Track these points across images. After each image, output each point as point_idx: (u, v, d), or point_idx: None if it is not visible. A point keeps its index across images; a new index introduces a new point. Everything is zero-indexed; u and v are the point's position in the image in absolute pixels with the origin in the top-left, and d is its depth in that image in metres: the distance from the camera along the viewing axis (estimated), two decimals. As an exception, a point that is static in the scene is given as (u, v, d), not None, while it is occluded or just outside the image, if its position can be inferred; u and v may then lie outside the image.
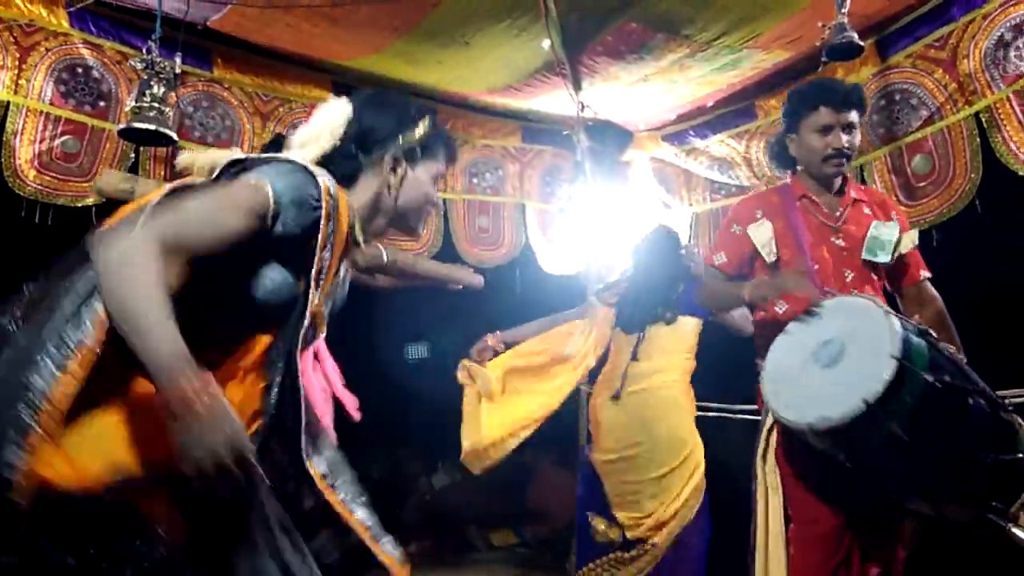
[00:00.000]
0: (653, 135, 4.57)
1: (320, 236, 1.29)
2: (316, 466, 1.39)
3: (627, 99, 4.18)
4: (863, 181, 3.61)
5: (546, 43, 3.57)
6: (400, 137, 1.46)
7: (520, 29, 3.46)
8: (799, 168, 2.34)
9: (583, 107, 4.10)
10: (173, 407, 1.04)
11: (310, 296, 1.30)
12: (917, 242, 2.25)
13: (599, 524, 2.86)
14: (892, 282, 2.28)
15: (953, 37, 3.26)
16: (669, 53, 3.64)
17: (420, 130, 1.49)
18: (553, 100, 4.18)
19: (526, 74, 3.91)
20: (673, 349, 3.06)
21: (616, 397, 2.98)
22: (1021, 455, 1.76)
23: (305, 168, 1.32)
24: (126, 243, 1.12)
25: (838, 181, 2.29)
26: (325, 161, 1.40)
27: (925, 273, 2.24)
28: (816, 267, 2.19)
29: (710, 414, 4.26)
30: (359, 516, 1.43)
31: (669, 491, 2.80)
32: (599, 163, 4.64)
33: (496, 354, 3.03)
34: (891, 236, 2.18)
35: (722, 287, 2.31)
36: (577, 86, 3.98)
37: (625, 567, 2.79)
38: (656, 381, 2.98)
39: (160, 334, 1.07)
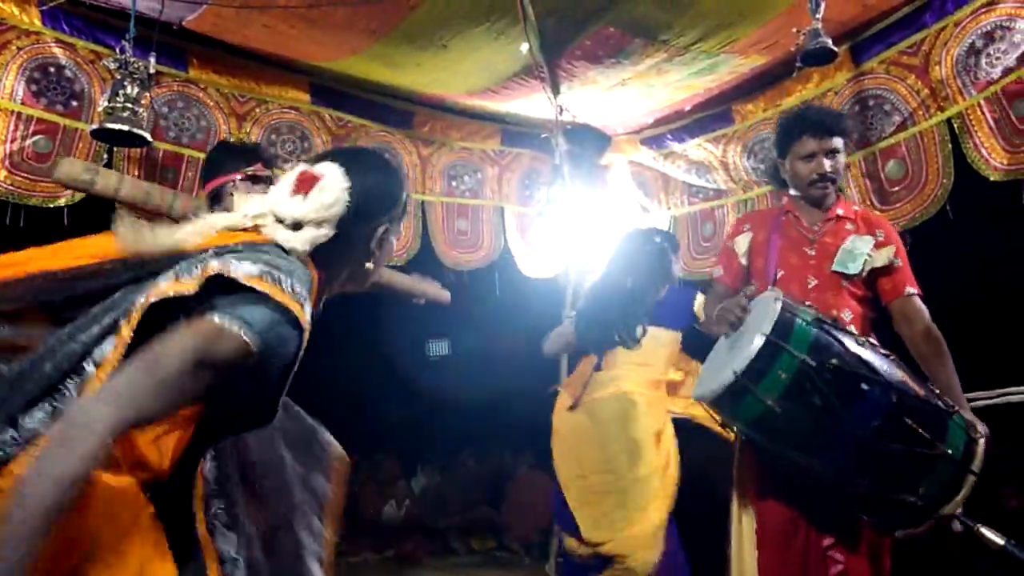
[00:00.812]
0: (631, 139, 4.59)
1: (294, 366, 1.23)
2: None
3: (605, 103, 4.20)
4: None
5: (524, 47, 3.57)
6: (392, 211, 1.42)
7: (498, 32, 3.47)
8: (791, 189, 2.47)
9: (561, 110, 4.11)
10: None
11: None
12: (895, 259, 2.30)
13: (569, 542, 2.77)
14: (880, 297, 2.35)
15: (926, 44, 3.31)
16: (647, 57, 3.66)
17: (404, 199, 1.46)
18: (532, 103, 4.19)
19: (504, 77, 3.91)
20: (643, 363, 2.90)
21: (573, 407, 2.88)
22: (946, 451, 1.85)
23: (293, 317, 1.17)
24: (87, 414, 1.01)
25: (828, 200, 2.41)
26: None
27: (911, 289, 2.29)
28: (780, 273, 2.35)
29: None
30: None
31: (632, 504, 2.65)
32: (578, 166, 4.65)
33: None
34: (863, 249, 2.29)
35: (709, 307, 2.49)
36: (555, 90, 3.99)
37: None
38: (613, 389, 2.84)
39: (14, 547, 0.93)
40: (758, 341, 1.89)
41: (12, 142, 3.20)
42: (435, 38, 3.48)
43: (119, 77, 2.85)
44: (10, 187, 3.19)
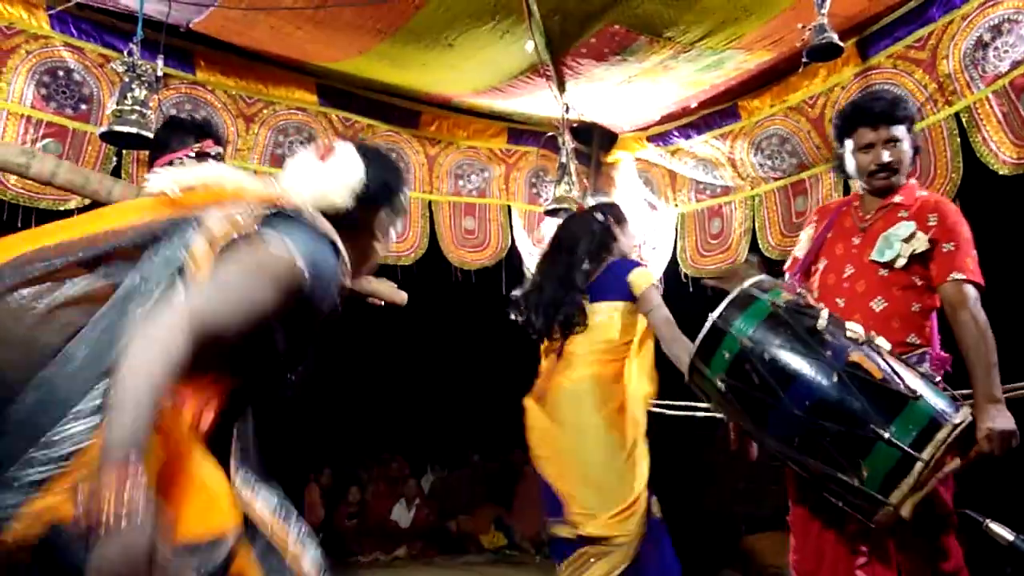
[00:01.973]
0: (638, 136, 4.59)
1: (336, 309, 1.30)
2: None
3: (612, 100, 4.20)
4: (846, 181, 3.64)
5: (529, 45, 3.57)
6: (393, 200, 1.50)
7: (503, 31, 3.47)
8: (857, 180, 2.44)
9: (568, 108, 4.11)
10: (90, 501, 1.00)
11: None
12: (946, 244, 2.20)
13: (553, 528, 2.78)
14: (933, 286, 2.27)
15: (933, 38, 3.29)
16: (652, 55, 3.66)
17: (403, 191, 1.53)
18: (538, 101, 4.19)
19: (510, 76, 3.92)
20: (596, 340, 2.80)
21: (539, 399, 2.83)
22: (883, 434, 1.83)
23: (333, 243, 1.30)
24: (155, 329, 1.10)
25: (892, 189, 2.33)
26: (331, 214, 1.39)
27: (957, 275, 2.17)
28: (824, 263, 2.38)
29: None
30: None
31: (606, 487, 2.63)
32: (584, 164, 4.66)
33: None
34: (901, 235, 2.22)
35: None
36: (561, 87, 3.99)
37: (597, 562, 2.68)
38: (564, 377, 2.78)
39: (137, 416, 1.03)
40: (707, 323, 2.07)
41: (22, 145, 3.22)
42: (441, 37, 3.49)
43: (127, 80, 2.87)
44: (20, 191, 3.22)
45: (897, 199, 2.31)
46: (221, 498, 1.17)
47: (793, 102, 3.87)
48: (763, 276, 2.15)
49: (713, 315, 2.06)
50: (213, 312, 1.15)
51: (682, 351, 2.53)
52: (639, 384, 2.82)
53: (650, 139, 4.53)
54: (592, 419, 2.70)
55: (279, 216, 1.28)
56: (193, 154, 2.21)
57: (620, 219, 3.06)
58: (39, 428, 1.07)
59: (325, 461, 6.74)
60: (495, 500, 6.67)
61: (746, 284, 2.09)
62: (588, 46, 3.64)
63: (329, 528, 6.33)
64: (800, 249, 2.50)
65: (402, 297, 2.51)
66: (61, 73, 3.33)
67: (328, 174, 1.39)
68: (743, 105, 4.08)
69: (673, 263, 4.55)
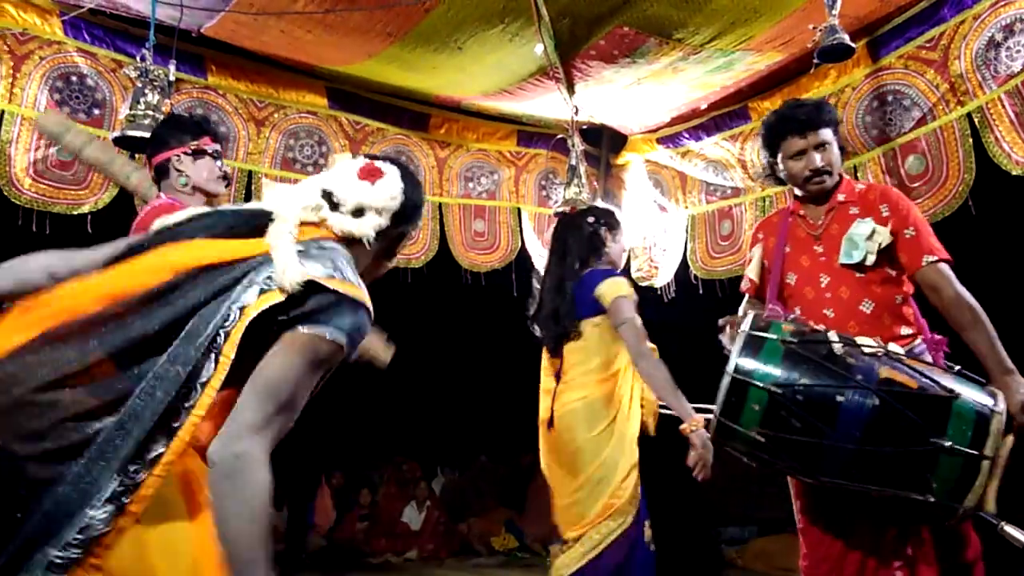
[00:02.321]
0: (648, 137, 4.58)
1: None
2: None
3: (621, 102, 4.20)
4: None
5: (539, 48, 3.58)
6: (416, 220, 1.53)
7: (513, 34, 3.48)
8: (794, 188, 2.41)
9: (577, 110, 4.11)
10: None
11: None
12: (907, 230, 2.19)
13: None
14: (907, 275, 2.26)
15: (944, 38, 3.28)
16: (662, 56, 3.65)
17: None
18: (547, 104, 4.19)
19: (519, 78, 3.92)
20: (586, 355, 2.74)
21: (549, 423, 2.77)
22: (942, 443, 1.79)
23: (363, 304, 1.30)
24: (240, 448, 1.18)
25: (829, 192, 2.32)
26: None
27: (929, 257, 2.17)
28: (794, 277, 2.32)
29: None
30: None
31: (598, 496, 2.62)
32: (594, 166, 4.66)
33: None
34: (863, 233, 2.20)
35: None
36: (571, 90, 3.99)
37: (563, 554, 2.67)
38: (563, 400, 2.74)
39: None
40: (725, 380, 1.98)
41: (36, 151, 3.26)
42: (450, 40, 3.50)
43: (140, 85, 2.90)
44: (35, 195, 3.25)
45: (840, 197, 2.30)
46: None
47: (804, 103, 3.86)
48: (751, 314, 2.11)
49: (728, 369, 1.97)
50: (281, 424, 1.23)
51: (653, 369, 2.57)
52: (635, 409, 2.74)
53: (660, 141, 4.53)
54: (584, 444, 2.68)
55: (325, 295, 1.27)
56: (190, 151, 2.23)
57: (612, 225, 2.94)
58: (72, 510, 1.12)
59: (337, 464, 6.75)
60: (506, 502, 6.67)
61: (743, 328, 2.04)
62: (597, 48, 3.64)
63: (341, 530, 6.35)
64: (753, 270, 2.45)
65: (386, 358, 2.46)
66: (74, 78, 3.36)
67: (376, 197, 1.42)
68: (753, 106, 4.07)
69: (684, 265, 4.54)
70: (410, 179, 1.48)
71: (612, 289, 2.69)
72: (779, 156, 2.34)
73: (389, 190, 1.43)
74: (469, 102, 4.28)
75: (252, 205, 1.43)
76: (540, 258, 4.60)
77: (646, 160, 4.69)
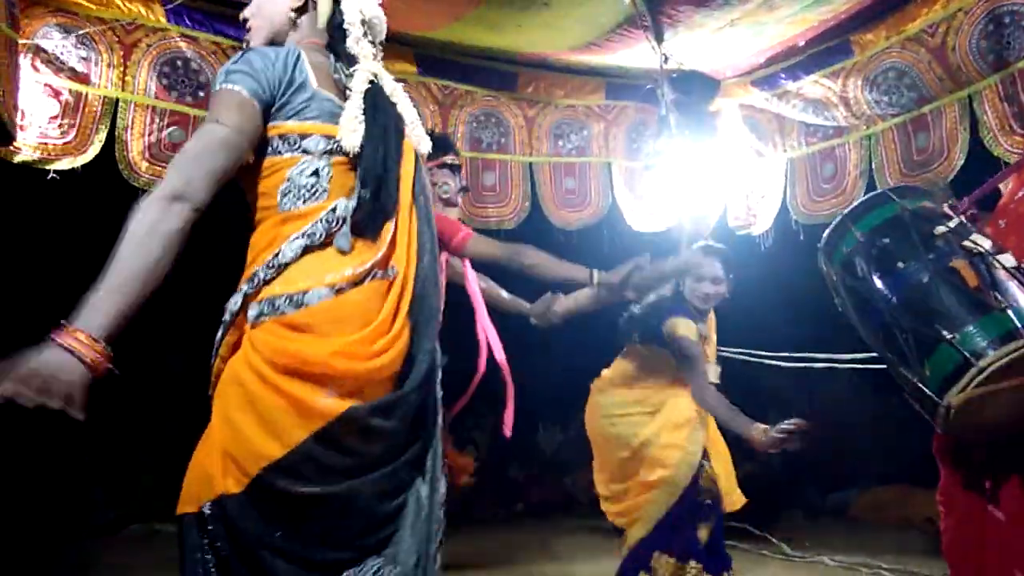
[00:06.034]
0: (741, 81, 4.42)
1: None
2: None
3: (713, 46, 4.06)
4: (972, 112, 3.41)
5: (626, -4, 3.50)
6: None
7: (599, -16, 3.41)
8: None
9: (666, 59, 4.01)
10: None
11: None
12: None
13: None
14: None
15: (1070, -52, 3.01)
16: (755, -6, 3.51)
17: None
18: (636, 54, 4.11)
19: (607, 30, 3.85)
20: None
21: None
22: (947, 336, 1.82)
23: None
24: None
25: None
26: None
27: None
28: None
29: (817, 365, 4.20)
30: None
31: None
32: (685, 115, 4.54)
33: None
34: None
35: None
36: (659, 38, 3.89)
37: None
38: None
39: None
40: (834, 221, 2.21)
41: (150, 135, 3.45)
42: (535, -4, 3.47)
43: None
44: (152, 177, 3.44)
45: None
46: None
47: (911, 32, 3.63)
48: (917, 186, 2.21)
49: (843, 212, 2.20)
50: (181, 174, 1.51)
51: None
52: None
53: (754, 83, 4.36)
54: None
55: None
56: None
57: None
58: None
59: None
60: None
61: (887, 190, 2.21)
62: (686, -9, 3.53)
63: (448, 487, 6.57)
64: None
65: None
66: (179, 63, 3.52)
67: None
68: (856, 40, 3.86)
69: (783, 211, 4.41)
70: None
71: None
72: None
73: None
74: (556, 57, 4.24)
75: None
76: (632, 213, 4.56)
77: (740, 105, 4.53)
